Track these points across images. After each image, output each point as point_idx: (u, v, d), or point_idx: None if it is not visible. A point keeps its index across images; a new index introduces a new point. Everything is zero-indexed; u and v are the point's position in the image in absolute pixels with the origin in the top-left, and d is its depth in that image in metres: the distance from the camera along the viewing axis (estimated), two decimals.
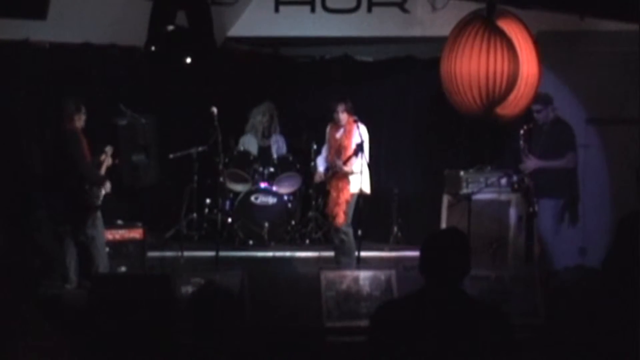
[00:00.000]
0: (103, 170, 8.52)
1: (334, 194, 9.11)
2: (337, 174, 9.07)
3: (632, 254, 5.28)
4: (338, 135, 9.11)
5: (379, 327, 3.70)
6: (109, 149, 8.62)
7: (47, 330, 3.78)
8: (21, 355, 3.67)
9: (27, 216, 9.24)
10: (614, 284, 5.55)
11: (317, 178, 9.50)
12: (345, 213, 8.98)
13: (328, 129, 9.33)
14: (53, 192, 8.62)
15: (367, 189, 9.03)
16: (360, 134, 8.86)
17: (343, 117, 9.00)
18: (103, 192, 8.44)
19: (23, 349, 3.68)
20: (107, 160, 8.55)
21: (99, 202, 8.43)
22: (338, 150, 9.05)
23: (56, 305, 6.98)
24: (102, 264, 8.32)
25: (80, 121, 8.37)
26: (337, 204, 9.02)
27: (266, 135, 11.08)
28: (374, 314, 3.75)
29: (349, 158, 8.89)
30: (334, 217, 9.03)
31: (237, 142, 11.00)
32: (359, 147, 8.77)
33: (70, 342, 4.22)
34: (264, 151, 10.98)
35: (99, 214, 8.46)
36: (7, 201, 9.28)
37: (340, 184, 9.03)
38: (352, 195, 8.97)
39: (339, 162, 8.94)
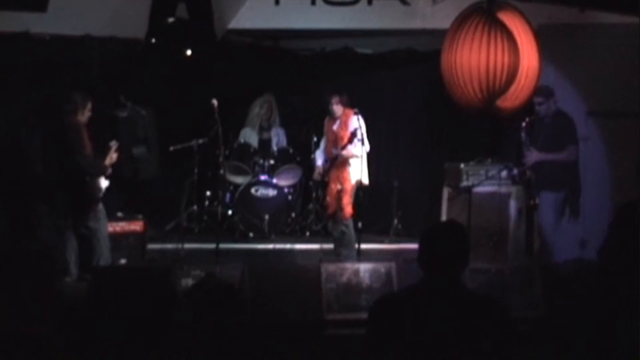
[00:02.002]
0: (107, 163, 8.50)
1: (333, 185, 9.13)
2: (336, 165, 9.08)
3: (629, 243, 5.28)
4: (335, 127, 9.16)
5: (377, 320, 3.70)
6: (114, 144, 8.59)
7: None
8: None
9: (27, 209, 9.24)
10: (610, 273, 5.55)
11: (317, 175, 9.50)
12: (351, 205, 9.01)
13: (325, 122, 9.37)
14: (55, 185, 8.62)
15: (365, 180, 9.07)
16: (358, 124, 8.88)
17: (337, 108, 9.07)
18: (104, 184, 8.43)
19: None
20: (111, 155, 8.51)
21: (101, 194, 8.43)
22: (335, 141, 9.11)
23: (56, 297, 6.99)
24: (104, 257, 8.32)
25: (83, 116, 8.35)
26: (341, 197, 9.03)
27: (265, 127, 11.08)
28: (373, 306, 3.75)
29: (345, 145, 8.91)
30: (342, 209, 9.04)
31: (237, 135, 10.99)
32: (353, 134, 8.79)
33: (70, 334, 4.23)
34: (264, 144, 10.98)
35: (100, 206, 8.45)
36: (7, 194, 9.28)
37: (342, 175, 9.05)
38: (353, 186, 9.01)
39: (337, 149, 8.97)
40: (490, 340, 3.60)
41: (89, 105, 8.39)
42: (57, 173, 8.47)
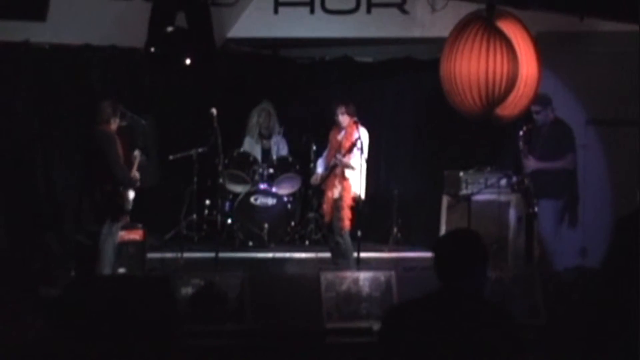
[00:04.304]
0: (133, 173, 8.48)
1: (330, 193, 9.05)
2: (334, 173, 9.04)
3: (631, 257, 5.28)
4: (339, 137, 9.13)
5: (390, 330, 3.66)
6: (137, 153, 8.57)
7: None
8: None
9: (31, 216, 9.25)
10: (614, 286, 5.55)
11: (314, 181, 9.49)
12: (349, 218, 8.97)
13: (331, 132, 9.34)
14: (84, 194, 8.56)
15: (362, 194, 8.99)
16: (359, 135, 8.87)
17: (344, 119, 9.01)
18: (131, 196, 8.39)
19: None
20: (135, 165, 8.49)
21: (130, 207, 8.39)
22: (338, 150, 9.07)
23: (56, 305, 6.97)
24: (107, 267, 8.29)
25: (115, 124, 8.32)
26: (339, 207, 8.97)
27: (266, 135, 11.06)
28: (386, 316, 3.72)
29: (345, 153, 8.88)
30: (339, 219, 8.98)
31: (237, 144, 10.97)
32: (354, 143, 8.77)
33: (69, 343, 4.22)
34: (264, 152, 10.98)
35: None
36: (9, 201, 9.28)
37: (340, 185, 9.00)
38: (352, 197, 8.97)
39: (339, 156, 8.94)
40: (501, 351, 3.58)
41: (120, 113, 8.36)
42: (85, 183, 8.40)
